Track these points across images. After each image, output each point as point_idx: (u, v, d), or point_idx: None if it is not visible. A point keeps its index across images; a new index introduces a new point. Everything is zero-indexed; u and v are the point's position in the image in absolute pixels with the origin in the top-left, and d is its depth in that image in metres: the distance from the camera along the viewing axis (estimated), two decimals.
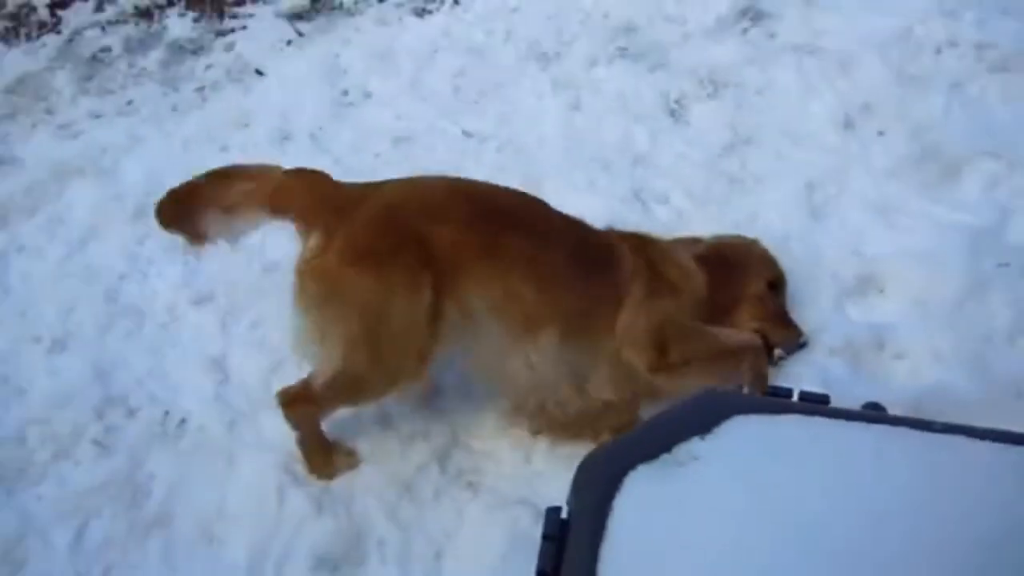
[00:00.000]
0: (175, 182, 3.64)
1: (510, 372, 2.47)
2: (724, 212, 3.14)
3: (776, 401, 1.39)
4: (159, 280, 3.36)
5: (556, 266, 2.41)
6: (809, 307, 2.80)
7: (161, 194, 2.65)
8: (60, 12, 4.85)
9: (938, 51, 3.49)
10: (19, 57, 4.58)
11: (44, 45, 4.66)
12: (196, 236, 2.64)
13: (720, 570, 1.14)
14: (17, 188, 3.79)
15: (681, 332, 2.47)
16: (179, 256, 3.43)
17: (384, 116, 3.85)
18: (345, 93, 4.03)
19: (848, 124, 3.33)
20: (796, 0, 3.86)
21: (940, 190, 3.07)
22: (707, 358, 2.47)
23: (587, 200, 3.15)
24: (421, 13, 4.38)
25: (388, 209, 2.40)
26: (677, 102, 3.60)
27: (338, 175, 3.54)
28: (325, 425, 2.64)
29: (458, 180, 2.61)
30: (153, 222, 3.51)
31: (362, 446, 2.70)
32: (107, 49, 4.57)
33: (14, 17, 4.85)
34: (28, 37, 4.74)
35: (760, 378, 2.48)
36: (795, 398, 1.45)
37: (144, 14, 4.75)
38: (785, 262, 2.82)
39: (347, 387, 2.48)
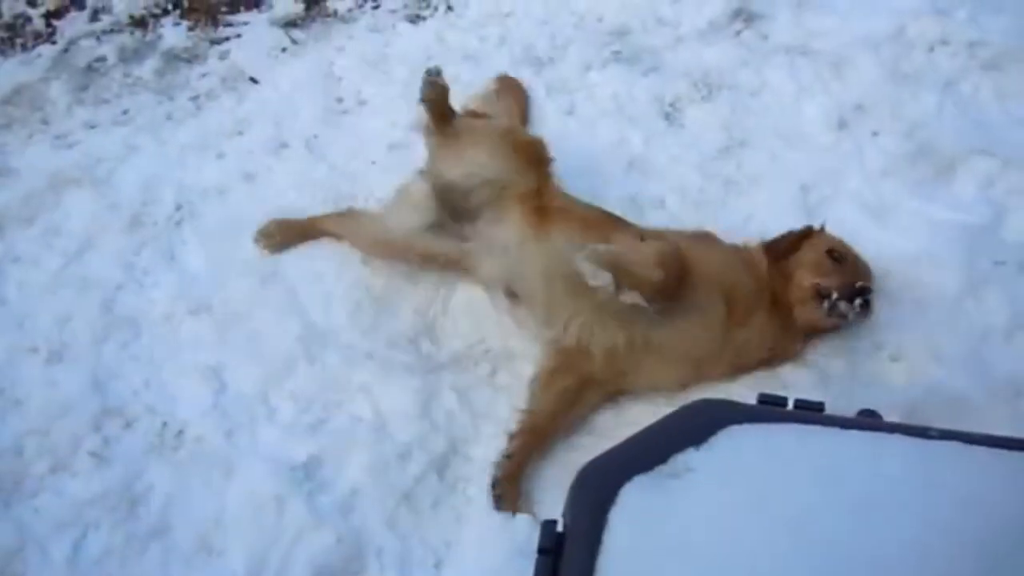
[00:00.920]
0: (171, 191, 3.70)
1: None
2: (719, 214, 3.14)
3: (771, 410, 1.39)
4: (155, 290, 3.35)
5: None
6: None
7: None
8: (55, 22, 4.83)
9: (931, 50, 3.49)
10: (14, 68, 4.56)
11: (39, 55, 4.64)
12: None
13: None
14: (13, 198, 3.78)
15: None
16: (176, 265, 3.43)
17: (379, 123, 3.84)
18: (340, 100, 4.02)
19: (842, 124, 3.33)
20: (788, 1, 3.85)
21: (935, 189, 3.07)
22: None
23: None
24: (415, 20, 4.37)
25: None
26: (671, 105, 3.59)
27: (334, 182, 3.60)
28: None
29: None
30: (149, 231, 3.55)
31: (359, 455, 2.70)
32: (102, 59, 4.55)
33: (9, 28, 4.83)
34: (23, 47, 4.72)
35: None
36: (790, 406, 1.45)
37: (139, 23, 4.74)
38: None
39: None
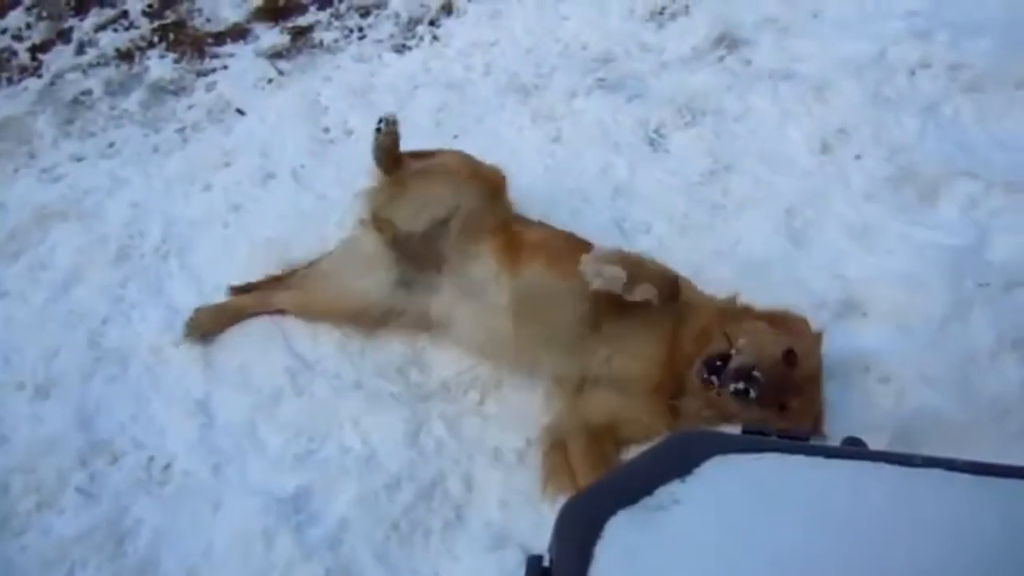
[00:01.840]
0: (158, 223, 3.70)
1: None
2: (705, 239, 3.15)
3: (755, 440, 1.39)
4: (142, 323, 3.34)
5: None
6: None
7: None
8: (41, 56, 4.85)
9: (912, 73, 3.52)
10: (0, 101, 4.58)
11: (25, 89, 4.66)
12: None
13: None
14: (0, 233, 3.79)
15: None
16: (162, 298, 3.42)
17: (366, 152, 3.80)
18: (326, 130, 4.03)
19: (825, 148, 3.35)
20: (771, 27, 3.89)
21: (918, 212, 3.08)
22: None
23: (570, 231, 3.15)
24: (400, 50, 4.40)
25: None
26: (656, 131, 3.61)
27: (321, 212, 3.59)
28: None
29: None
30: (136, 264, 3.55)
31: (348, 486, 2.69)
32: (88, 92, 4.57)
33: None
34: (9, 81, 4.73)
35: None
36: (774, 435, 1.45)
37: (125, 56, 4.76)
38: (767, 288, 2.81)
39: None
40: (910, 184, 3.16)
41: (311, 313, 3.15)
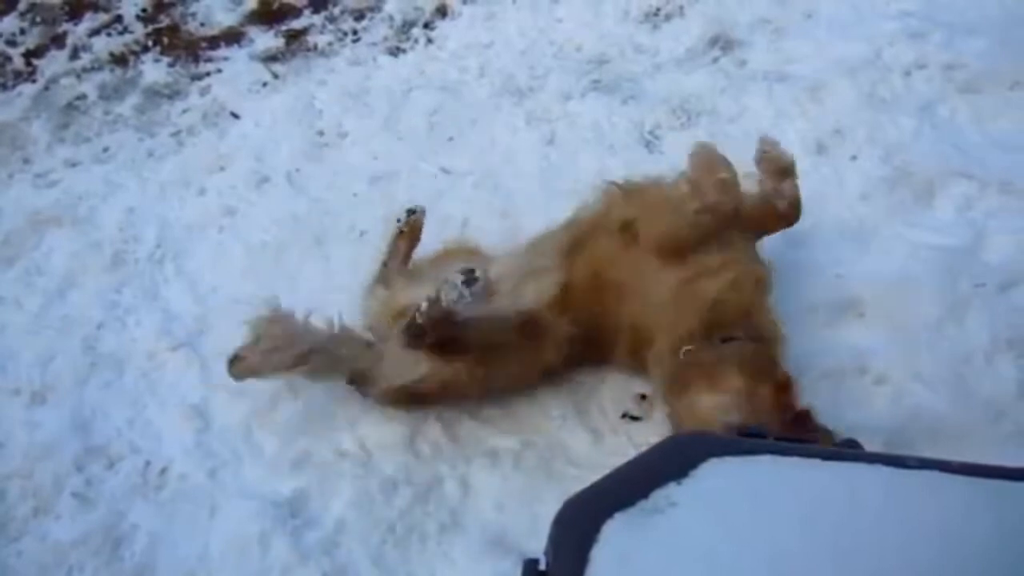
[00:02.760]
0: (153, 228, 3.70)
1: None
2: None
3: (751, 442, 1.39)
4: (137, 328, 3.34)
5: None
6: (791, 334, 2.79)
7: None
8: (35, 61, 4.85)
9: (907, 74, 3.52)
10: None
11: (20, 94, 4.66)
12: None
13: None
14: None
15: None
16: (158, 303, 3.42)
17: (361, 155, 3.86)
18: (321, 134, 4.03)
19: (820, 149, 3.35)
20: (765, 28, 3.89)
21: (914, 212, 3.08)
22: None
23: None
24: (395, 52, 4.40)
25: None
26: (651, 133, 3.61)
27: (316, 215, 3.59)
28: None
29: None
30: (131, 269, 3.55)
31: (344, 490, 2.68)
32: (83, 96, 4.57)
33: None
34: (3, 87, 4.73)
35: None
36: (770, 437, 1.45)
37: (119, 60, 4.76)
38: None
39: None
40: (906, 185, 3.16)
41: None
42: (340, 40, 4.58)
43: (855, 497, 1.22)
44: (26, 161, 4.26)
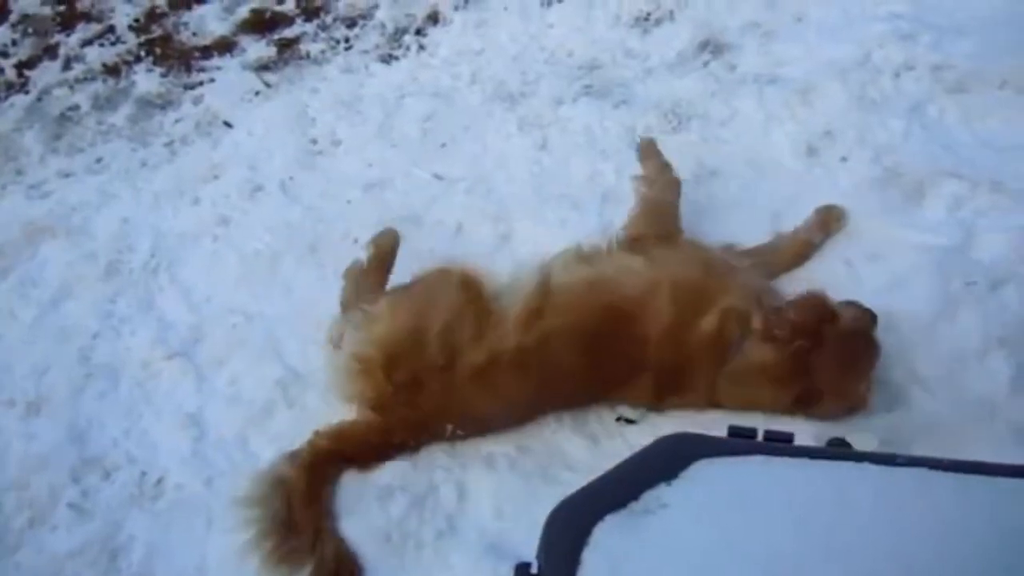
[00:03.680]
0: (147, 238, 3.70)
1: None
2: None
3: (741, 442, 1.40)
4: (132, 338, 3.35)
5: None
6: None
7: None
8: (27, 72, 4.85)
9: (896, 75, 3.52)
10: None
11: (12, 105, 4.67)
12: None
13: None
14: None
15: None
16: (153, 313, 3.43)
17: (354, 163, 3.87)
18: (314, 142, 4.04)
19: (811, 151, 3.35)
20: (755, 32, 3.90)
21: (905, 212, 3.09)
22: None
23: (558, 238, 3.16)
24: (388, 60, 4.41)
25: None
26: (643, 137, 3.61)
27: (310, 223, 3.60)
28: None
29: None
30: (125, 279, 3.55)
31: (340, 498, 2.68)
32: (75, 107, 4.58)
33: None
34: None
35: None
36: (760, 437, 1.46)
37: (112, 71, 4.76)
38: None
39: None
40: (896, 185, 3.16)
41: None
42: (332, 48, 4.59)
43: (845, 496, 1.23)
44: (19, 172, 4.27)
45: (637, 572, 1.19)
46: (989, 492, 1.22)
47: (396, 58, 4.42)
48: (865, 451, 1.38)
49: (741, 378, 2.63)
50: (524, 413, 2.77)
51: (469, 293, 2.79)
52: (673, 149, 3.48)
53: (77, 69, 4.81)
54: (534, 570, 1.27)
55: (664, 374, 2.67)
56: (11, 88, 4.78)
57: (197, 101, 4.46)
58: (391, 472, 2.72)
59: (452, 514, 2.61)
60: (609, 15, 4.23)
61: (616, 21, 4.21)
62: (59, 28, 5.11)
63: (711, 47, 3.92)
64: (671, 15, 4.16)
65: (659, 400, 2.72)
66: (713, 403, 2.69)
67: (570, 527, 1.25)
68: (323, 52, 4.57)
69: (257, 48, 4.69)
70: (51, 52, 4.96)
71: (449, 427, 2.73)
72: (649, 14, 4.20)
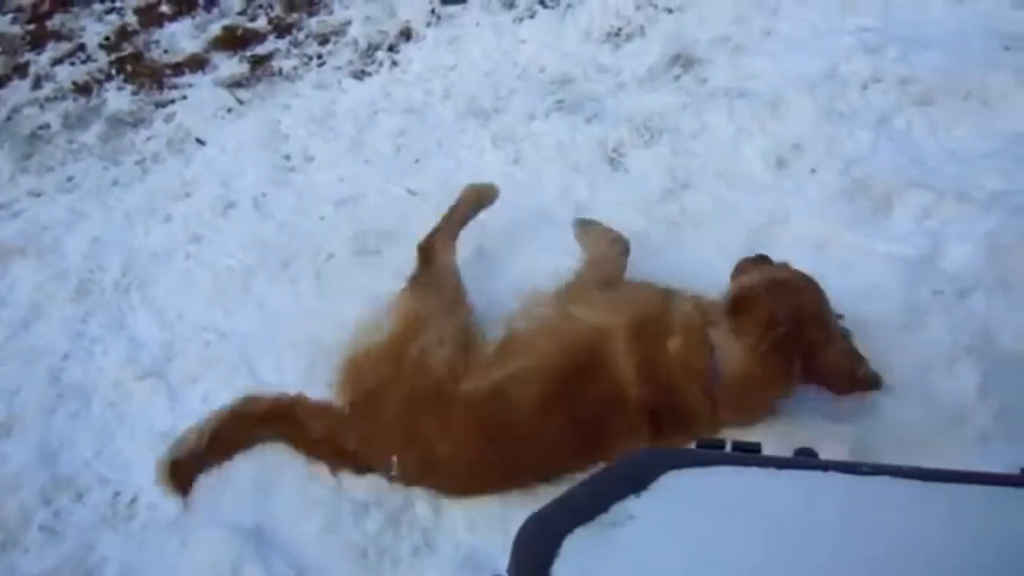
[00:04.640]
0: (118, 256, 3.68)
1: None
2: (665, 258, 3.16)
3: (709, 453, 1.41)
4: (104, 357, 3.33)
5: None
6: None
7: None
8: None
9: (864, 88, 3.57)
10: None
11: None
12: None
13: None
14: None
15: None
16: (124, 332, 3.41)
17: (327, 179, 3.87)
18: (287, 158, 4.04)
19: (781, 163, 3.39)
20: (725, 46, 3.94)
21: (873, 223, 3.12)
22: None
23: (532, 251, 3.18)
24: (360, 76, 4.41)
25: None
26: (615, 150, 3.64)
27: (283, 240, 3.60)
28: None
29: None
30: (96, 298, 3.53)
31: (315, 515, 2.67)
32: (46, 126, 4.56)
33: None
34: None
35: None
36: (728, 448, 1.47)
37: (82, 89, 4.74)
38: None
39: None
40: (865, 196, 3.20)
41: None
42: (305, 64, 4.60)
43: (812, 506, 1.24)
44: None
45: None
46: (952, 500, 1.24)
47: (369, 74, 4.42)
48: (831, 460, 1.39)
49: (736, 388, 2.57)
50: (484, 475, 2.65)
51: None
52: (645, 163, 3.52)
53: (47, 88, 4.80)
54: None
55: (658, 409, 2.56)
56: None
57: (169, 119, 4.45)
58: (366, 488, 2.71)
59: (428, 529, 2.61)
60: (580, 31, 4.26)
61: (587, 36, 4.24)
62: (29, 47, 5.10)
63: (682, 61, 3.96)
64: (642, 30, 4.19)
65: (660, 436, 2.56)
66: (717, 421, 2.59)
67: (540, 540, 1.25)
68: (296, 69, 4.58)
69: (229, 65, 4.69)
70: (21, 71, 4.95)
71: (393, 458, 2.67)
72: (620, 29, 4.23)
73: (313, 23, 4.81)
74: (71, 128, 4.52)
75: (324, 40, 4.71)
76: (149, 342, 3.33)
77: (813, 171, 3.33)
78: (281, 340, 3.18)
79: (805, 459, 1.56)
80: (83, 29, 5.13)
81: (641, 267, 3.06)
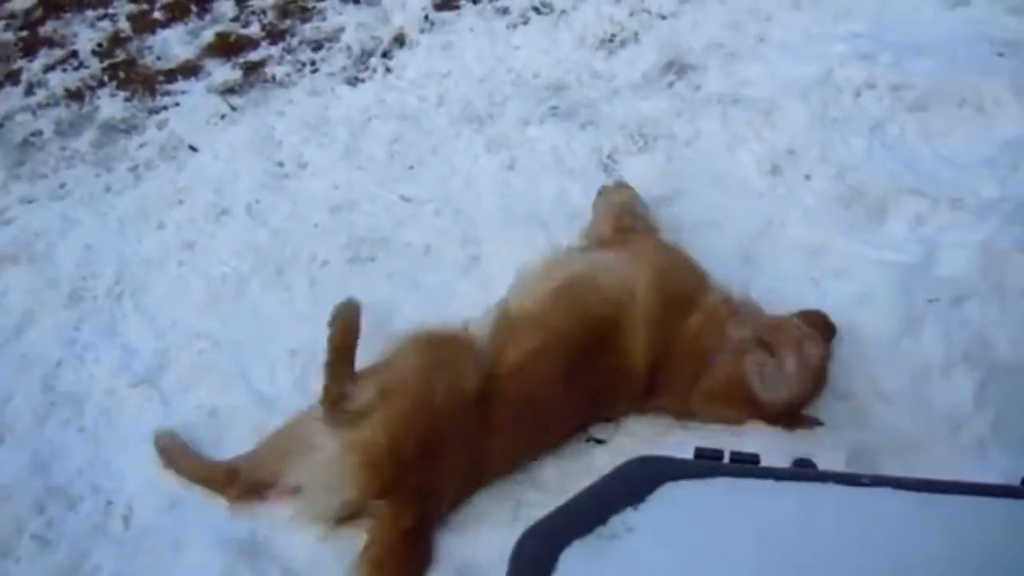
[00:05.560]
0: (111, 264, 3.66)
1: None
2: None
3: (707, 464, 1.40)
4: (96, 365, 3.30)
5: None
6: None
7: None
8: None
9: (857, 94, 3.57)
10: None
11: None
12: None
13: None
14: None
15: None
16: (117, 339, 3.39)
17: (321, 186, 3.85)
18: (280, 164, 4.02)
19: (775, 170, 3.39)
20: (719, 52, 3.95)
21: (868, 230, 3.12)
22: None
23: (526, 258, 3.16)
24: (354, 82, 4.40)
25: None
26: (609, 157, 3.64)
27: (277, 246, 3.59)
28: None
29: None
30: (89, 306, 3.52)
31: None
32: (38, 133, 4.53)
33: None
34: None
35: None
36: (726, 459, 1.46)
37: (75, 96, 4.72)
38: None
39: None
40: (859, 203, 3.20)
41: None
42: (298, 71, 4.58)
43: (810, 518, 1.23)
44: None
45: None
46: (952, 512, 1.24)
47: (362, 80, 4.41)
48: (830, 471, 1.39)
49: (716, 394, 2.65)
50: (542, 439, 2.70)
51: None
52: (639, 169, 3.52)
53: (40, 95, 4.77)
54: None
55: (653, 372, 2.66)
56: None
57: (162, 125, 4.43)
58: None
59: None
60: (574, 37, 4.26)
61: (581, 43, 4.24)
62: (21, 54, 5.07)
63: (676, 68, 3.96)
64: (636, 37, 4.19)
65: (644, 400, 2.72)
66: (685, 414, 2.71)
67: (537, 554, 1.25)
68: (289, 75, 4.56)
69: (223, 71, 4.67)
70: (13, 78, 4.92)
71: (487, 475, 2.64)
72: (614, 36, 4.23)
73: (306, 29, 4.80)
74: (64, 135, 4.50)
75: (317, 46, 4.70)
76: (142, 349, 3.32)
77: (807, 177, 3.34)
78: (275, 347, 3.17)
79: (804, 470, 1.56)
80: (76, 35, 5.10)
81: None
